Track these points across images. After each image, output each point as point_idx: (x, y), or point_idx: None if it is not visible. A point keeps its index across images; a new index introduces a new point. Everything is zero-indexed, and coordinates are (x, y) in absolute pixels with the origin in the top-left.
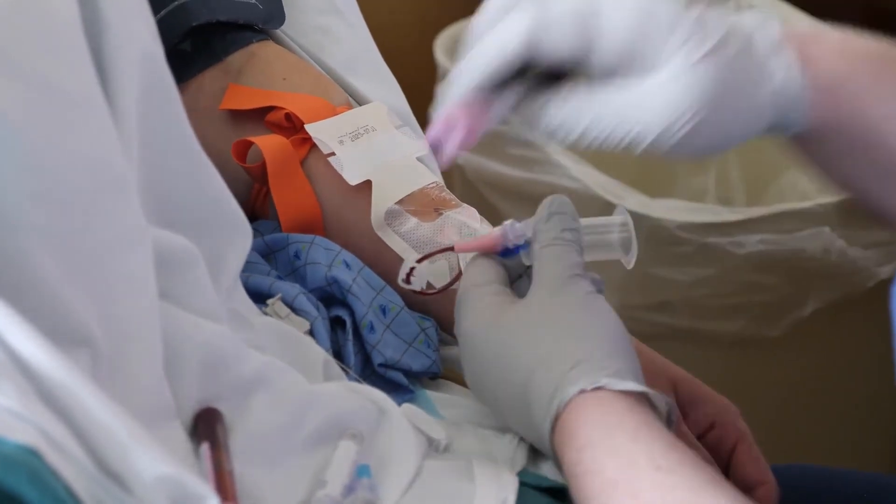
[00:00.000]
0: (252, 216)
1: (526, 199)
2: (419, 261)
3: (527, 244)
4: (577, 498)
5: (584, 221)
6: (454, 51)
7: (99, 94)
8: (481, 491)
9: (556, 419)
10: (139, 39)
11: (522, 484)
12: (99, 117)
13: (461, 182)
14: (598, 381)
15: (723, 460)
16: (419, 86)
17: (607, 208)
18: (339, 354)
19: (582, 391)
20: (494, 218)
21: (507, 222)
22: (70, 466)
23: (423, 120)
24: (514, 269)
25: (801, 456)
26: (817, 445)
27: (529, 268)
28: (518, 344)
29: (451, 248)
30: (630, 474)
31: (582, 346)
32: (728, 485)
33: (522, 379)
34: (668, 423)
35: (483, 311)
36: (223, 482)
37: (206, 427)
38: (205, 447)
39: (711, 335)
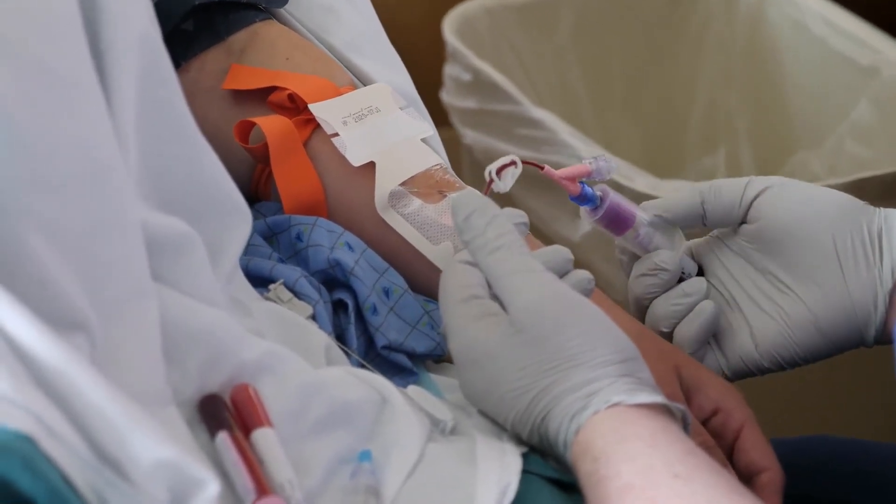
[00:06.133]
0: (255, 198)
1: (535, 180)
2: (525, 163)
3: (601, 200)
4: None
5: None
6: (463, 30)
7: (93, 77)
8: (483, 475)
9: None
10: (136, 21)
11: (527, 472)
12: (91, 101)
13: (469, 162)
14: (610, 399)
15: (727, 445)
16: (426, 65)
17: (615, 188)
18: (341, 338)
19: (596, 412)
20: (502, 198)
21: (599, 155)
22: (65, 453)
23: (430, 99)
24: None
25: (827, 426)
26: (841, 416)
27: None
28: (514, 371)
29: (542, 168)
30: (647, 480)
31: (584, 367)
32: (744, 490)
33: (527, 403)
34: (685, 428)
35: (473, 337)
36: (256, 473)
37: (215, 414)
38: (223, 436)
39: None
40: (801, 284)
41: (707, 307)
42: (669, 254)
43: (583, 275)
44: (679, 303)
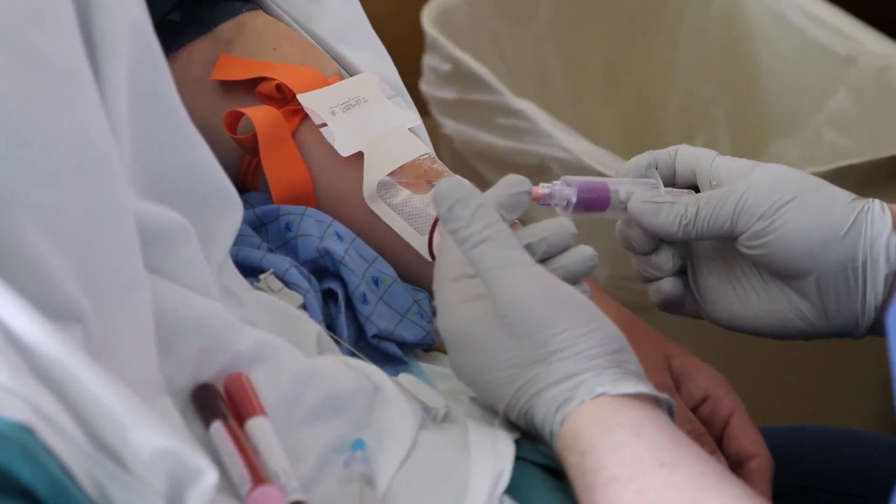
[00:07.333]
0: (243, 188)
1: (514, 169)
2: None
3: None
4: (581, 499)
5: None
6: (442, 20)
7: (87, 68)
8: (477, 462)
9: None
10: (128, 11)
11: (519, 458)
12: (87, 92)
13: (449, 152)
14: (595, 390)
15: (716, 432)
16: (405, 56)
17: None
18: (331, 327)
19: (581, 402)
20: (483, 189)
21: (557, 185)
22: (64, 443)
23: (409, 90)
24: None
25: (814, 416)
26: (829, 406)
27: None
28: (500, 360)
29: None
30: (634, 470)
31: (570, 360)
32: (732, 477)
33: (512, 392)
34: (670, 417)
35: (461, 320)
36: (251, 462)
37: (209, 404)
38: (218, 425)
39: None
40: (785, 298)
41: (663, 288)
42: (641, 236)
43: (585, 251)
44: (647, 270)
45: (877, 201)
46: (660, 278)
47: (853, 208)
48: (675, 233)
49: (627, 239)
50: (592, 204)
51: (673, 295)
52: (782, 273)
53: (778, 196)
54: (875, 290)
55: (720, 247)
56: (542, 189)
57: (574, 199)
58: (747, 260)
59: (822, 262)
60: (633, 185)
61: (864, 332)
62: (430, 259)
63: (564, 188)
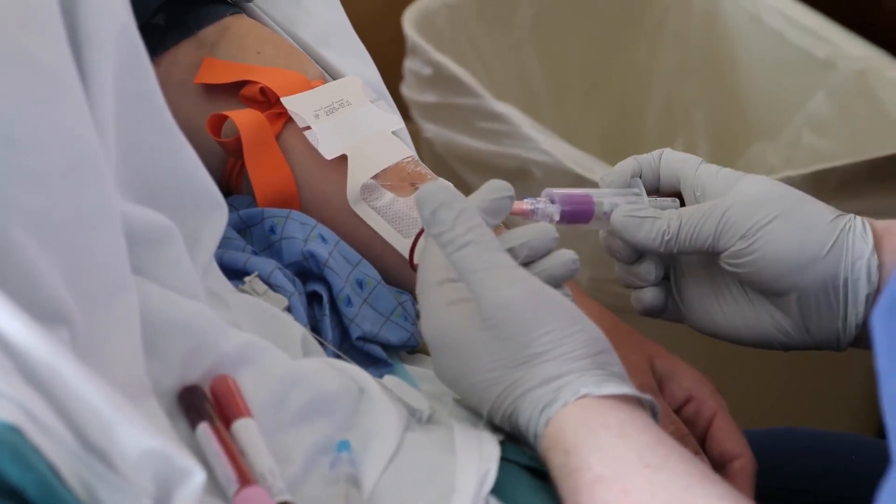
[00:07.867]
0: (227, 191)
1: (495, 173)
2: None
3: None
4: (566, 500)
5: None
6: (423, 24)
7: (73, 69)
8: (462, 463)
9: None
10: (114, 12)
11: (504, 459)
12: (74, 93)
13: (431, 156)
14: (579, 391)
15: (699, 433)
16: (386, 60)
17: (578, 181)
18: (316, 329)
19: (565, 404)
20: (465, 192)
21: (541, 203)
22: (52, 444)
23: (390, 94)
24: None
25: (782, 419)
26: (796, 408)
27: None
28: (485, 363)
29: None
30: (619, 470)
31: (554, 362)
32: (716, 477)
33: (497, 394)
34: (653, 418)
35: (447, 323)
36: (238, 463)
37: (196, 405)
38: (204, 427)
39: None
40: (767, 313)
41: (644, 298)
42: (624, 247)
43: (566, 255)
44: (629, 279)
45: (859, 218)
46: (642, 287)
47: (835, 227)
48: (657, 248)
49: (611, 248)
50: (576, 217)
51: (654, 305)
52: (763, 290)
53: (760, 215)
54: (856, 309)
55: (704, 259)
56: (525, 205)
57: (557, 218)
58: (731, 274)
59: (803, 282)
60: (617, 196)
61: (845, 347)
62: (412, 267)
63: (548, 206)
